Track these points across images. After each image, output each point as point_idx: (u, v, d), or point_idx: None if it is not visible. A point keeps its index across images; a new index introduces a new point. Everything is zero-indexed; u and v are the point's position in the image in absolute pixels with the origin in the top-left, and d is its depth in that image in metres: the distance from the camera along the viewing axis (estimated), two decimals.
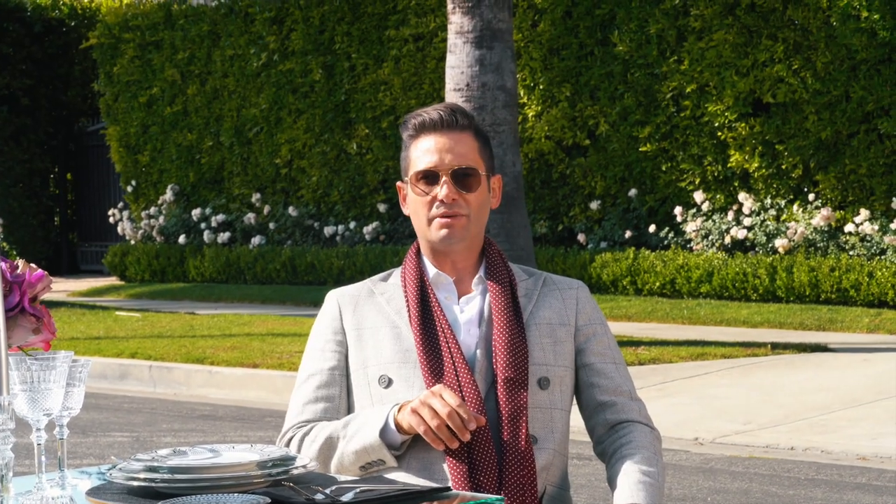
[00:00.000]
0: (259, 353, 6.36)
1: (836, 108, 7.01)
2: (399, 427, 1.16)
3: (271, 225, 10.07)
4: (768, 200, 7.32)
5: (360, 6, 9.43)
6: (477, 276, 1.33)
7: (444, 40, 6.51)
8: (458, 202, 1.26)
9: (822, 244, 7.09)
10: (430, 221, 1.28)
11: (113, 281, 11.48)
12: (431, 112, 1.33)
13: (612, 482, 1.25)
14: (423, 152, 1.29)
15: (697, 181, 7.67)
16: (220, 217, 10.42)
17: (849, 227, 7.00)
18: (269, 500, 0.84)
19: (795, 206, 7.23)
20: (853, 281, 6.72)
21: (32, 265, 0.94)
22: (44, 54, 12.73)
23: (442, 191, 1.25)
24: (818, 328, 6.47)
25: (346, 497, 0.89)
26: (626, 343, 5.85)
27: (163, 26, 10.98)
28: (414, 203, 1.31)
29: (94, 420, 5.12)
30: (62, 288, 10.87)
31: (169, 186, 10.88)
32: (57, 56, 12.89)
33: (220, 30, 10.54)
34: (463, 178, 1.27)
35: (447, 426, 1.10)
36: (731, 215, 7.43)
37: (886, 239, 6.80)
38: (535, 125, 8.34)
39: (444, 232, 1.27)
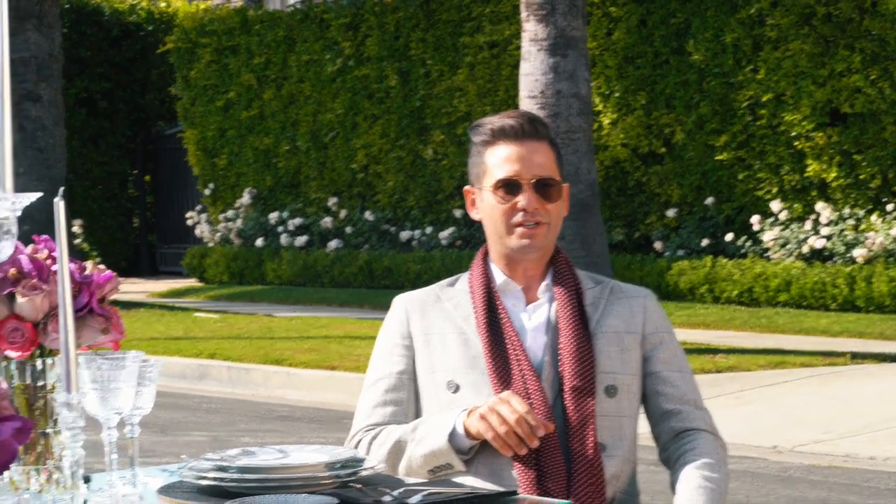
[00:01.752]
0: (337, 355, 6.78)
1: None
2: (467, 432, 1.24)
3: (348, 229, 11.01)
4: (846, 210, 7.89)
5: (434, 13, 10.30)
6: (544, 283, 1.41)
7: (519, 48, 7.11)
8: (540, 211, 1.36)
9: None
10: (510, 229, 1.37)
11: (192, 282, 12.46)
12: (509, 119, 1.41)
13: (673, 487, 1.32)
14: (502, 160, 1.38)
15: (775, 190, 8.30)
16: (297, 220, 11.43)
17: None
18: (336, 501, 0.91)
19: (874, 216, 7.76)
20: None
21: (101, 266, 0.99)
22: (121, 58, 14.06)
23: (524, 200, 1.35)
24: None
25: (414, 499, 0.94)
26: (703, 351, 6.21)
27: (239, 31, 12.03)
28: (491, 209, 1.39)
29: (172, 419, 5.43)
30: (142, 289, 11.95)
31: (246, 190, 11.94)
32: (134, 60, 14.16)
33: (296, 35, 11.52)
34: (544, 188, 1.37)
35: (515, 433, 1.19)
36: (808, 225, 8.01)
37: None
38: (610, 133, 9.08)
39: (525, 241, 1.36)
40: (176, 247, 13.83)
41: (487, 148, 1.41)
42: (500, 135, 1.40)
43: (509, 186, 1.37)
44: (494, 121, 1.43)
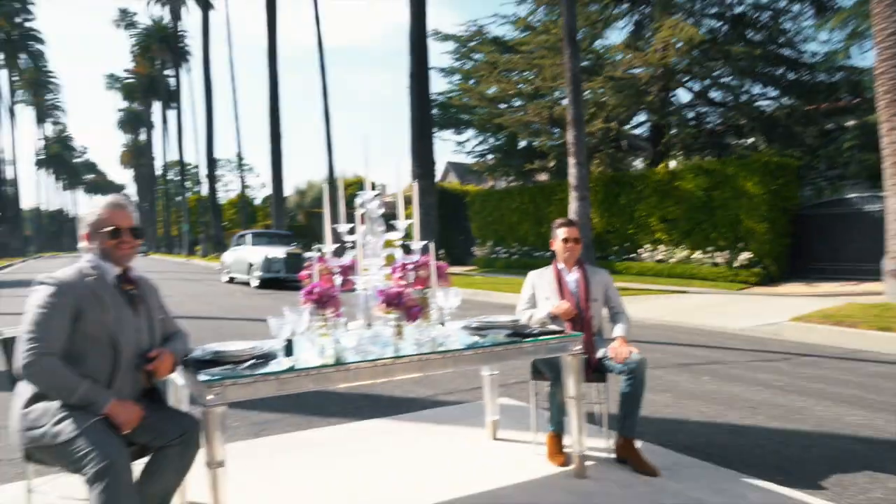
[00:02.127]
0: None
1: None
2: (552, 314, 3.74)
3: None
4: None
5: None
6: (575, 266, 3.94)
7: None
8: (571, 246, 3.98)
9: None
10: (562, 253, 3.98)
11: None
12: None
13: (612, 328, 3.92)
14: (560, 231, 4.00)
15: None
16: None
17: None
18: (510, 331, 3.30)
19: None
20: None
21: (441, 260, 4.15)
22: None
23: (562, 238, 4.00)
24: None
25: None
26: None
27: None
28: (557, 244, 3.97)
29: None
30: None
31: None
32: None
33: None
34: (574, 240, 4.03)
35: (567, 314, 3.71)
36: None
37: None
38: None
39: (567, 254, 3.94)
40: None
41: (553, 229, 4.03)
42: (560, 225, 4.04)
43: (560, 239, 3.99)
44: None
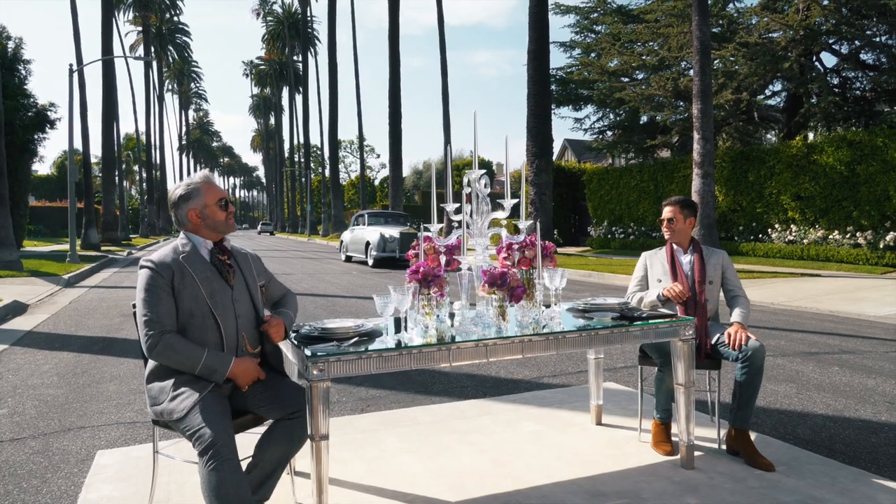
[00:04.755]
0: None
1: None
2: (663, 294, 3.55)
3: None
4: None
5: None
6: (690, 247, 3.75)
7: None
8: (672, 225, 3.74)
9: None
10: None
11: None
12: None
13: (731, 312, 3.68)
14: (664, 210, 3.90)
15: None
16: None
17: None
18: (617, 314, 3.23)
19: None
20: None
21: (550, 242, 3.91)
22: None
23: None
24: None
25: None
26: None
27: None
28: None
29: None
30: None
31: None
32: None
33: None
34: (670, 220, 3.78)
35: (679, 296, 3.48)
36: None
37: None
38: None
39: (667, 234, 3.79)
40: None
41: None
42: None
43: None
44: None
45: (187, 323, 2.55)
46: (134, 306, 2.86)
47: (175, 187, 2.72)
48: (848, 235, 15.26)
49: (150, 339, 2.46)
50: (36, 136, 21.83)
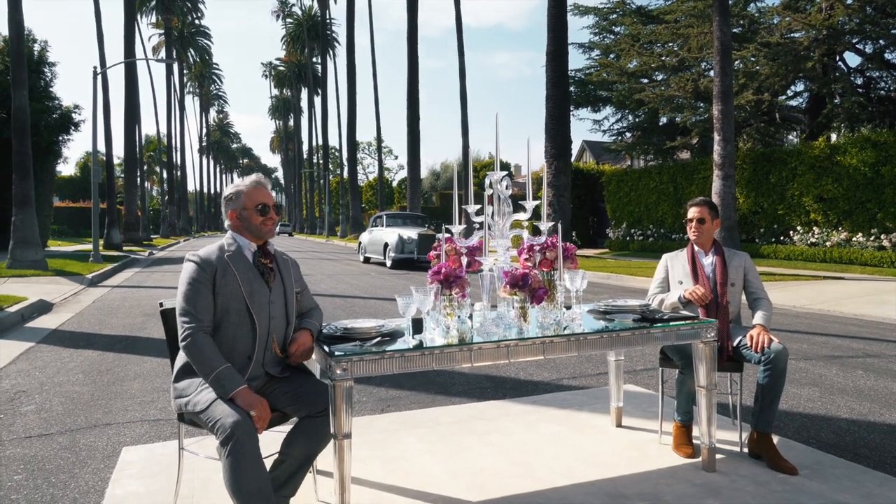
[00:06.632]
0: None
1: None
2: (685, 297, 3.54)
3: None
4: None
5: None
6: (711, 249, 3.74)
7: None
8: (700, 226, 3.73)
9: None
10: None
11: None
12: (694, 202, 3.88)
13: (753, 314, 3.62)
14: (688, 212, 3.82)
15: None
16: None
17: None
18: (638, 316, 3.20)
19: None
20: None
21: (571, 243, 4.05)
22: None
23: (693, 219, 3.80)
24: None
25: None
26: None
27: None
28: (688, 226, 3.81)
29: None
30: None
31: None
32: None
33: None
34: (700, 221, 3.78)
35: (701, 298, 3.45)
36: None
37: None
38: None
39: (693, 236, 3.76)
40: None
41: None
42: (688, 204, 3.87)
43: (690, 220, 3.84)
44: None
45: (223, 319, 2.59)
46: (161, 304, 2.92)
47: (227, 188, 2.82)
48: (872, 238, 15.05)
49: (186, 331, 2.51)
50: (60, 138, 22.20)
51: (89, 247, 26.07)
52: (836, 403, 4.62)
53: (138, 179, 36.86)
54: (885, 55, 18.71)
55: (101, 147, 28.90)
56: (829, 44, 18.30)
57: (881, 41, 18.36)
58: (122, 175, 35.05)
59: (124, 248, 27.57)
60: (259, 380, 2.65)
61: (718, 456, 3.42)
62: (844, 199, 15.77)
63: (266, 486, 2.31)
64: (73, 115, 22.14)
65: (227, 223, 2.80)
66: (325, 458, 3.21)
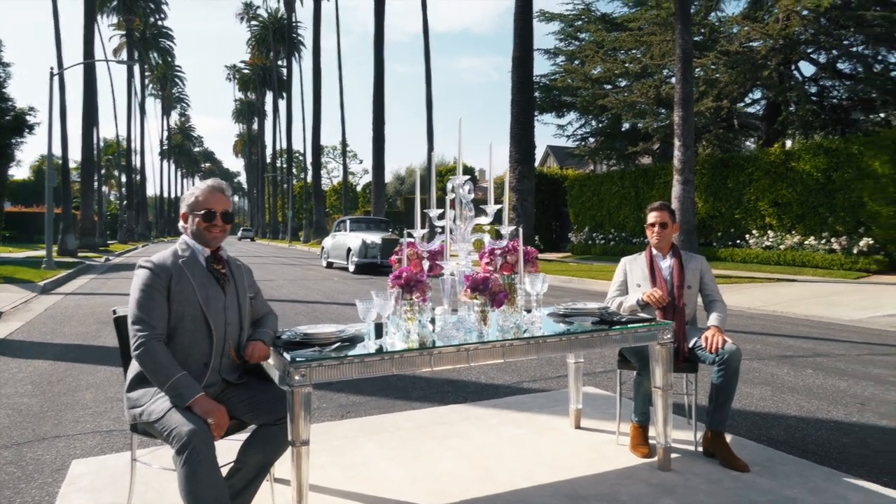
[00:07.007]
0: None
1: None
2: (642, 300, 3.59)
3: None
4: None
5: None
6: (669, 252, 3.80)
7: None
8: (662, 231, 3.80)
9: None
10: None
11: None
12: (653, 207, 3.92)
13: (708, 315, 3.71)
14: (649, 215, 3.88)
15: None
16: None
17: None
18: (597, 319, 3.25)
19: None
20: None
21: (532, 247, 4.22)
22: None
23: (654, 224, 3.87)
24: None
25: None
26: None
27: None
28: (648, 230, 3.86)
29: None
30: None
31: None
32: None
33: None
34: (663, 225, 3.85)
35: (658, 301, 3.53)
36: None
37: None
38: None
39: (654, 240, 3.83)
40: None
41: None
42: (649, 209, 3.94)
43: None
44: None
45: (178, 326, 2.55)
46: (114, 312, 2.86)
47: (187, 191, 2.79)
48: (823, 241, 15.51)
49: (139, 339, 2.46)
50: (13, 141, 21.56)
51: (42, 253, 25.35)
52: (787, 402, 4.76)
53: (95, 183, 36.02)
54: (838, 65, 19.32)
55: (57, 150, 28.21)
56: (785, 53, 18.84)
57: (834, 51, 18.97)
58: (79, 179, 34.19)
59: (79, 255, 26.88)
60: (216, 387, 2.62)
61: (674, 455, 3.49)
62: (798, 204, 16.22)
63: (223, 494, 2.27)
64: (28, 117, 21.54)
65: (181, 227, 2.77)
66: (283, 466, 3.19)
